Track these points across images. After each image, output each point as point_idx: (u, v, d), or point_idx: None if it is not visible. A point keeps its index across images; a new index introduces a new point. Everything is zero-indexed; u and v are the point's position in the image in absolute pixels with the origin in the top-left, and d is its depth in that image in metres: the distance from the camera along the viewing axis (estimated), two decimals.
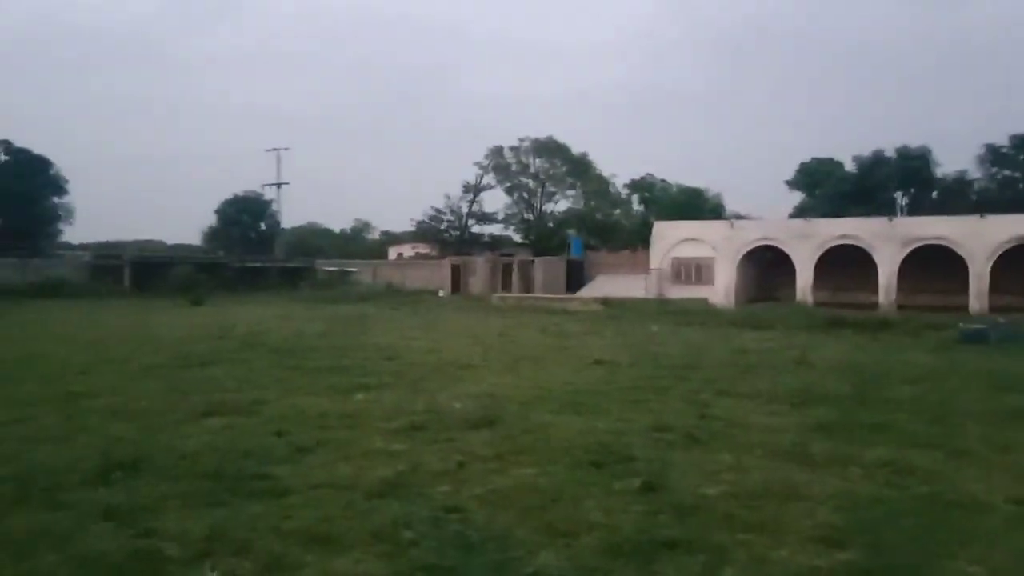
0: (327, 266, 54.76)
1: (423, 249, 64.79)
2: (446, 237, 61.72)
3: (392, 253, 71.26)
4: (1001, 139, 54.64)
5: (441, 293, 43.09)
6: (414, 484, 5.93)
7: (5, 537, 4.71)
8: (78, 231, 59.19)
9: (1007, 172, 55.01)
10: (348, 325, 21.59)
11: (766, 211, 59.99)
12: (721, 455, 6.98)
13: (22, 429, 7.85)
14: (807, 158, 62.82)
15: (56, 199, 51.19)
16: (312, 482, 5.95)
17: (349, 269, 53.93)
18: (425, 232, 63.62)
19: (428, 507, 5.35)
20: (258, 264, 51.25)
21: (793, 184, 63.27)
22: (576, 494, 5.73)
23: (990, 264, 31.84)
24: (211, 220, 65.64)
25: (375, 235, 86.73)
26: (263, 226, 66.09)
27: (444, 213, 61.64)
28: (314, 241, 75.49)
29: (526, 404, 9.40)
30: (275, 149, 62.23)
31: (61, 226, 53.67)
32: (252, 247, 60.32)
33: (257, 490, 5.73)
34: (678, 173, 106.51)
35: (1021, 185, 53.15)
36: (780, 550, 4.71)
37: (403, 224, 72.83)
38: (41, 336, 18.09)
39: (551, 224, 61.05)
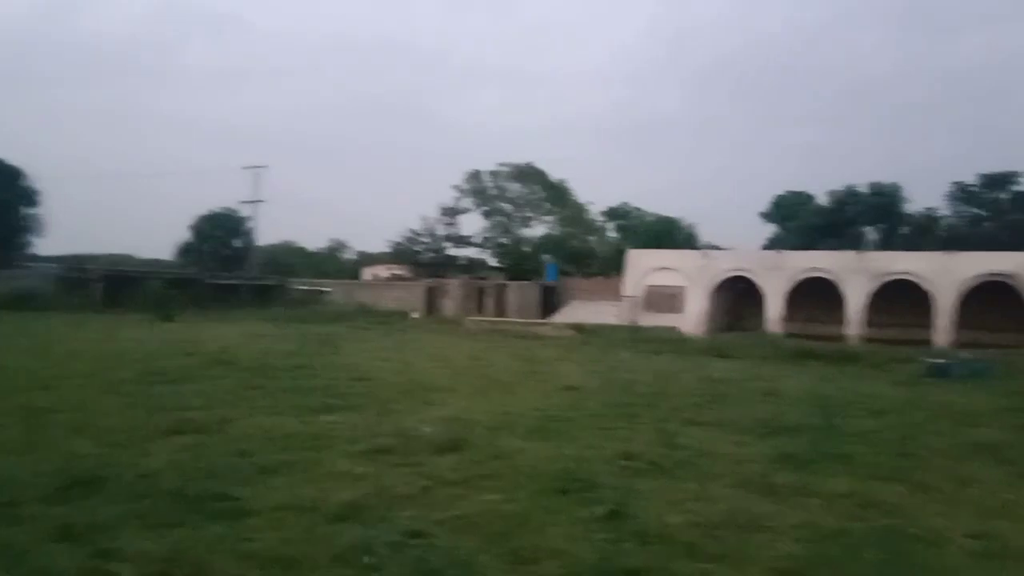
0: (300, 285, 54.41)
1: (398, 270, 64.65)
2: (421, 259, 61.70)
3: (367, 274, 70.95)
4: (970, 177, 56.13)
5: (414, 315, 42.93)
6: (378, 508, 5.89)
7: None
8: (47, 243, 57.90)
9: (975, 210, 56.34)
10: (318, 345, 21.41)
11: (740, 242, 60.72)
12: (686, 484, 7.00)
13: None
14: (782, 191, 64.01)
15: (27, 210, 50.43)
16: (274, 504, 5.88)
17: (323, 289, 53.64)
18: (401, 253, 63.54)
19: (391, 531, 5.30)
20: (231, 281, 50.77)
21: (767, 216, 64.36)
22: (541, 521, 5.72)
23: (957, 300, 32.44)
24: (185, 236, 65.18)
25: (351, 255, 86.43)
26: (239, 243, 65.63)
27: (421, 235, 61.74)
28: (288, 259, 75.05)
29: (494, 429, 9.37)
30: (253, 167, 61.89)
31: (31, 238, 52.86)
32: (226, 264, 59.78)
33: (219, 511, 5.65)
34: (655, 202, 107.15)
35: (988, 223, 54.35)
36: None
37: (380, 245, 72.64)
38: (5, 348, 17.75)
39: (527, 249, 61.31)
